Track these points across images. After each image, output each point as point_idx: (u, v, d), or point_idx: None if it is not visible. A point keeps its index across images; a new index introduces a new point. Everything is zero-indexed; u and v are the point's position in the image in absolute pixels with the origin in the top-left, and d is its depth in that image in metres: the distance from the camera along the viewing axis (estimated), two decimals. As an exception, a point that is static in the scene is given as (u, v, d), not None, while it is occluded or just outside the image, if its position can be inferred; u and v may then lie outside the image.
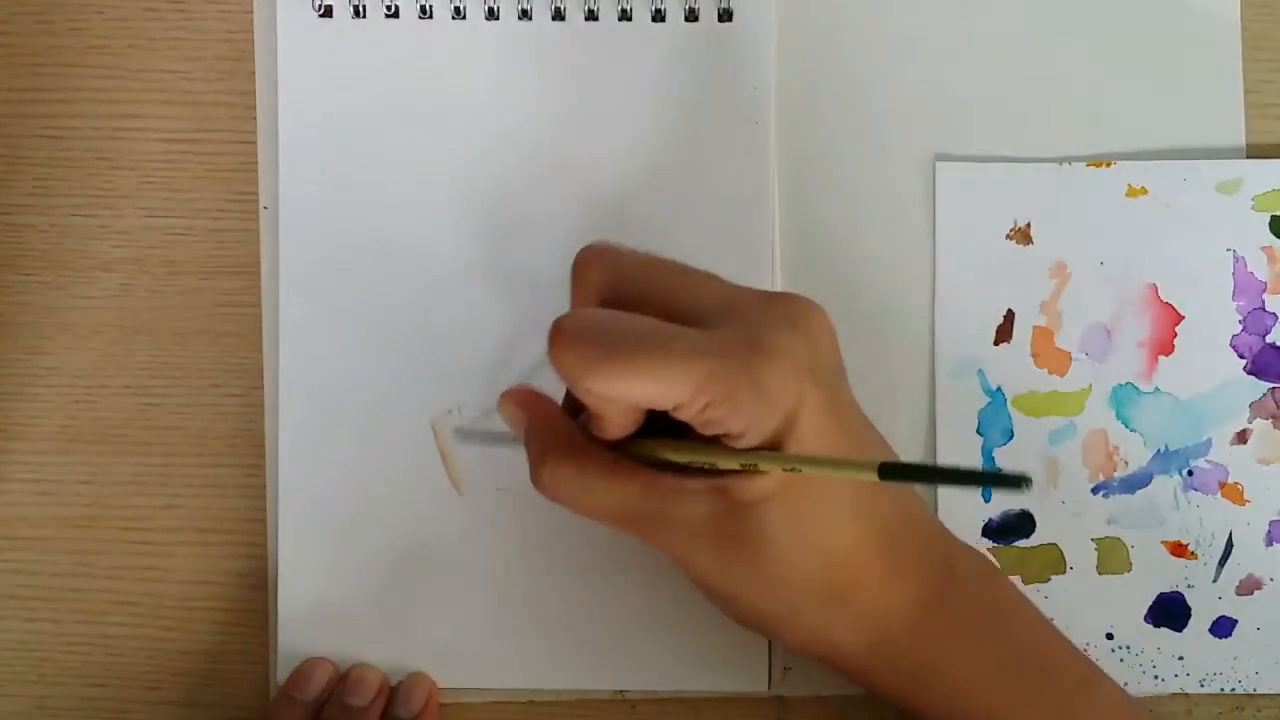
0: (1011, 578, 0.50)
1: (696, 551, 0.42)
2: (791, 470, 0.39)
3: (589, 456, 0.42)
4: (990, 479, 0.36)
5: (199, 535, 0.51)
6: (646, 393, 0.39)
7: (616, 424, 0.42)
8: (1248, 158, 0.51)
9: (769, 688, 0.50)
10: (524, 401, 0.45)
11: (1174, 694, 0.51)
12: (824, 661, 0.45)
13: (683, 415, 0.40)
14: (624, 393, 0.39)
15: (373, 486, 0.50)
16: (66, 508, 0.52)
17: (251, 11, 0.52)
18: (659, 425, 0.42)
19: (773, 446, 0.40)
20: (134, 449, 0.52)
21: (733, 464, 0.40)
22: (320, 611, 0.50)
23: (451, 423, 0.50)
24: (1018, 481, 0.34)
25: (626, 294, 0.42)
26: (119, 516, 0.51)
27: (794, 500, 0.41)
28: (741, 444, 0.40)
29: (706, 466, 0.41)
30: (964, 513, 0.50)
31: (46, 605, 0.51)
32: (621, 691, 0.51)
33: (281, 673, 0.50)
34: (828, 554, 0.42)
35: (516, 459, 0.49)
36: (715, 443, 0.41)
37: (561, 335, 0.40)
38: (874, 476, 0.36)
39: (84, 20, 0.52)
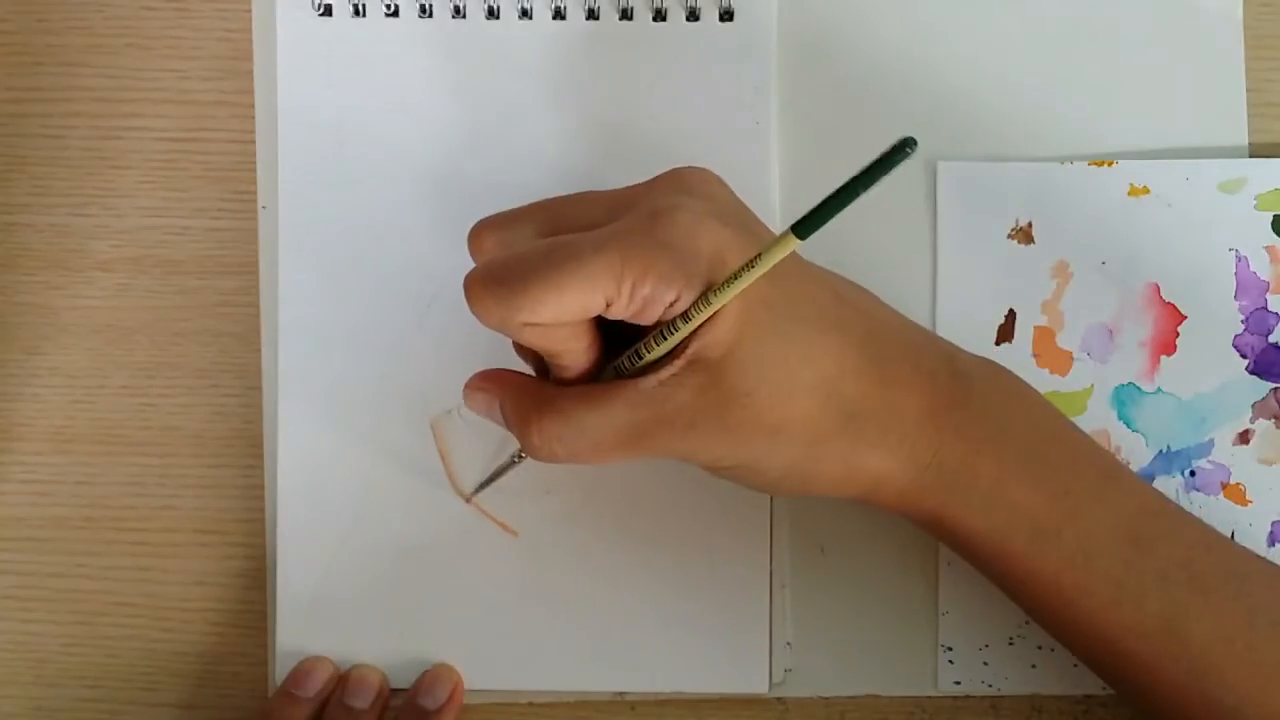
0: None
1: (702, 439, 0.42)
2: (732, 282, 0.39)
3: (565, 399, 0.42)
4: (881, 164, 0.35)
5: (197, 536, 0.51)
6: (574, 301, 0.39)
7: (574, 358, 0.42)
8: (1250, 157, 0.51)
9: (769, 689, 0.50)
10: (487, 382, 0.44)
11: (1177, 696, 0.51)
12: (874, 501, 0.44)
13: (619, 312, 0.40)
14: (555, 310, 0.39)
15: (371, 486, 0.50)
16: (64, 508, 0.51)
17: (250, 10, 0.52)
18: (617, 350, 0.42)
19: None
20: (132, 449, 0.51)
21: (688, 330, 0.40)
22: (318, 612, 0.50)
23: (451, 423, 0.50)
24: (903, 148, 0.34)
25: (524, 241, 0.42)
26: (117, 517, 0.51)
27: (762, 342, 0.41)
28: (680, 308, 0.40)
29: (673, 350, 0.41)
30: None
31: (44, 606, 0.51)
32: (622, 692, 0.50)
33: (280, 673, 0.50)
34: (817, 378, 0.41)
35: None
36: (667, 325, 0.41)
37: (475, 286, 0.40)
38: (792, 237, 0.36)
39: (83, 19, 0.52)
